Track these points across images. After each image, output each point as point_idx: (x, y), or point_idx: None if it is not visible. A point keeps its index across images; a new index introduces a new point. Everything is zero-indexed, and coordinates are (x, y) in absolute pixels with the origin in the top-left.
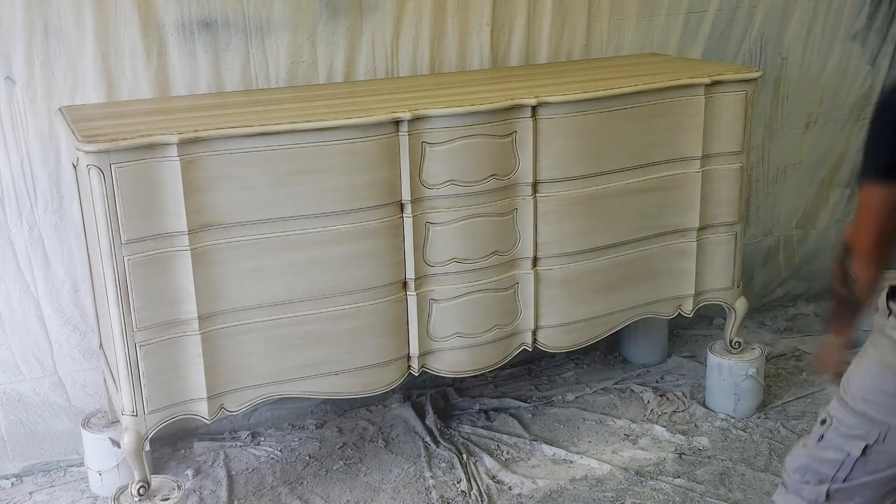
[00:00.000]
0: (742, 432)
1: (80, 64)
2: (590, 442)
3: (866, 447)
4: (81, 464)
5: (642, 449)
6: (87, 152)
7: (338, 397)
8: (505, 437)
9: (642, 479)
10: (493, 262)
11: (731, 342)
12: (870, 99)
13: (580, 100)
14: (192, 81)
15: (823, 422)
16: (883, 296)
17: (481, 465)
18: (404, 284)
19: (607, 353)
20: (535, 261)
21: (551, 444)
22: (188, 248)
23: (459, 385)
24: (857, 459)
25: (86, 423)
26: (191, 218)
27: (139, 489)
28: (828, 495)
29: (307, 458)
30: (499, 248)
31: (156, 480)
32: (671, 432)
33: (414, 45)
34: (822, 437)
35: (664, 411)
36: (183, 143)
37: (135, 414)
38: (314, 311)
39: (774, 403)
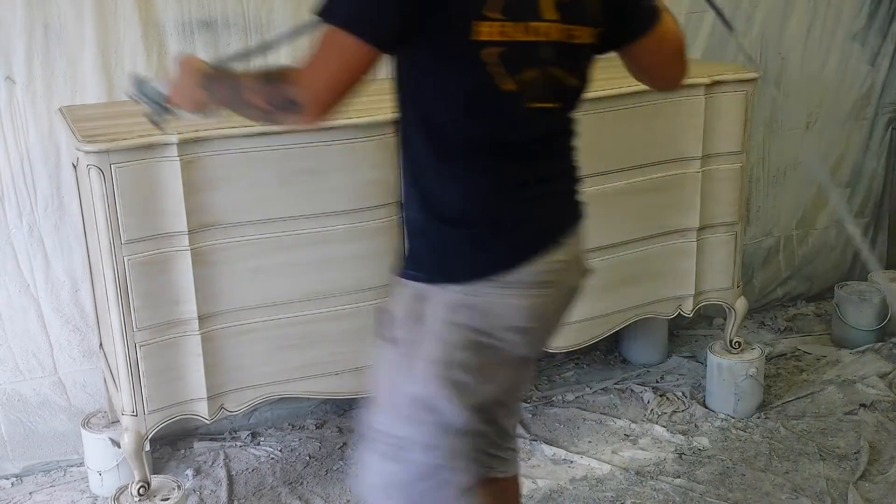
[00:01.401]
0: (742, 432)
1: (80, 64)
2: (590, 442)
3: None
4: (81, 464)
5: (642, 449)
6: (87, 152)
7: (338, 397)
8: None
9: (642, 479)
10: None
11: (731, 342)
12: (870, 99)
13: None
14: None
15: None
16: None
17: None
18: None
19: (607, 353)
20: None
21: (551, 444)
22: (188, 248)
23: None
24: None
25: (86, 423)
26: (191, 218)
27: (139, 489)
28: None
29: (307, 458)
30: None
31: (156, 480)
32: (671, 432)
33: None
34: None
35: (664, 411)
36: (183, 143)
37: (135, 414)
38: (314, 311)
39: (774, 403)
